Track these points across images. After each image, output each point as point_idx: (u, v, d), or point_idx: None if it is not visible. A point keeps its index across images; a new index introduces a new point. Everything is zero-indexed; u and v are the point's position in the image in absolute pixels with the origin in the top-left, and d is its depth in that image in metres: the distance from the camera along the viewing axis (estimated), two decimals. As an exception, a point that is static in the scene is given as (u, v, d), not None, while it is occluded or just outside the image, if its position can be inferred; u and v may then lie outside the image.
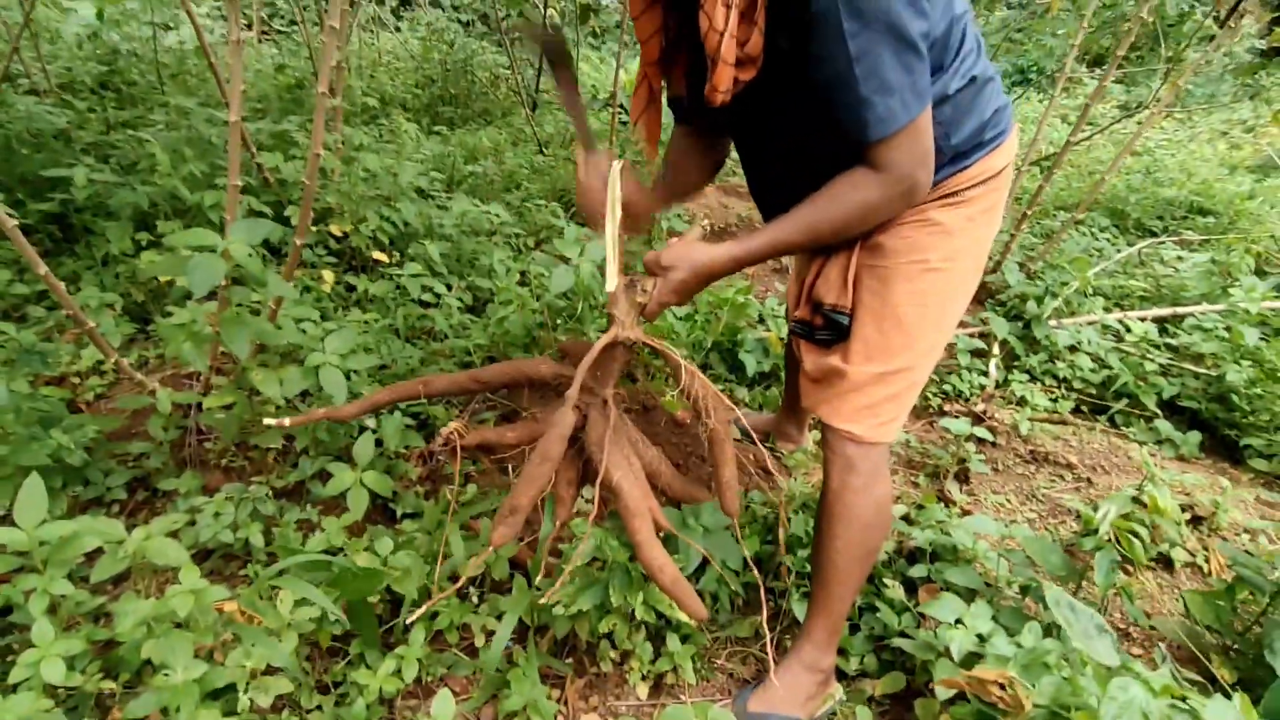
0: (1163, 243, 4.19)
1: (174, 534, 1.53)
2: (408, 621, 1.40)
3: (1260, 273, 3.88)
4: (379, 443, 1.81)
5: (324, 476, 1.77)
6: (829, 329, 1.41)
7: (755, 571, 1.39)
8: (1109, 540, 1.47)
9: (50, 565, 1.25)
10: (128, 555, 1.34)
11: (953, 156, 1.29)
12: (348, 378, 1.74)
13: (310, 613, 1.31)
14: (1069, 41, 3.28)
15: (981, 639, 1.34)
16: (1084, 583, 1.69)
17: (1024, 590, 1.59)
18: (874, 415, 1.38)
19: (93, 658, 1.27)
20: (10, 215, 2.29)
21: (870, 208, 1.20)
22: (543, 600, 1.34)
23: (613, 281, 1.32)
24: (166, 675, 1.12)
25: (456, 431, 1.34)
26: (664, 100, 1.43)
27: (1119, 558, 1.48)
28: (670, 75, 1.37)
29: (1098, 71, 3.11)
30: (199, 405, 1.87)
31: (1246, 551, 1.92)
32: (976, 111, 1.29)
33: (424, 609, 1.22)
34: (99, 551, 1.36)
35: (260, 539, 1.61)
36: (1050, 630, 1.40)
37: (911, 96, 1.10)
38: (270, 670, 1.24)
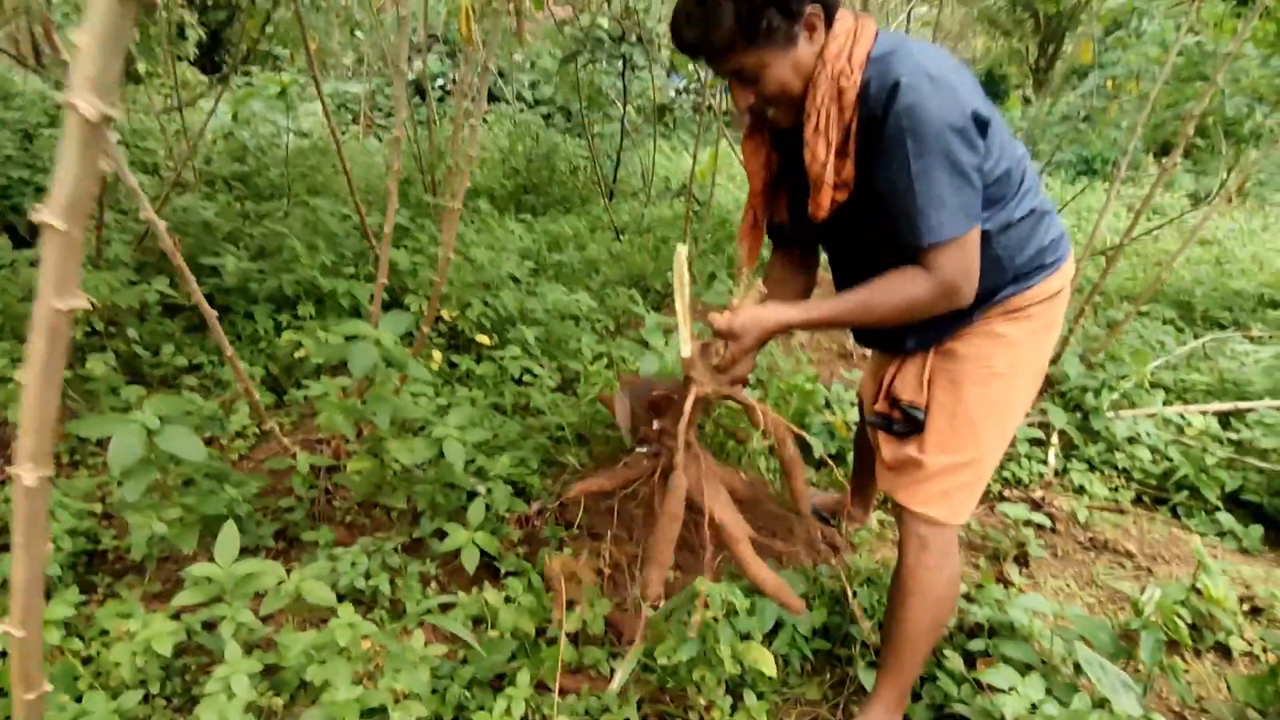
0: (1230, 336, 4.23)
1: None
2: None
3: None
4: (488, 507, 2.05)
5: (441, 535, 2.02)
6: (906, 422, 1.62)
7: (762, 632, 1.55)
8: (1155, 621, 1.59)
9: (234, 598, 1.51)
10: (287, 594, 1.59)
11: (1015, 276, 1.52)
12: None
13: (440, 649, 1.53)
14: (1126, 137, 3.46)
15: (1034, 707, 1.47)
16: (1135, 663, 1.79)
17: (1078, 668, 1.70)
18: (948, 500, 1.57)
19: (260, 678, 1.52)
20: (169, 295, 2.69)
21: (917, 301, 1.40)
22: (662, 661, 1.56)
23: (687, 349, 1.55)
24: (331, 693, 1.35)
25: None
26: (765, 227, 1.72)
27: (1165, 638, 1.59)
28: (774, 205, 1.66)
29: (1165, 162, 3.27)
30: (330, 468, 2.17)
31: (1307, 644, 1.98)
32: (1036, 238, 1.52)
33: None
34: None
35: (388, 587, 1.85)
36: (1102, 704, 1.52)
37: (961, 215, 1.33)
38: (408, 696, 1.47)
